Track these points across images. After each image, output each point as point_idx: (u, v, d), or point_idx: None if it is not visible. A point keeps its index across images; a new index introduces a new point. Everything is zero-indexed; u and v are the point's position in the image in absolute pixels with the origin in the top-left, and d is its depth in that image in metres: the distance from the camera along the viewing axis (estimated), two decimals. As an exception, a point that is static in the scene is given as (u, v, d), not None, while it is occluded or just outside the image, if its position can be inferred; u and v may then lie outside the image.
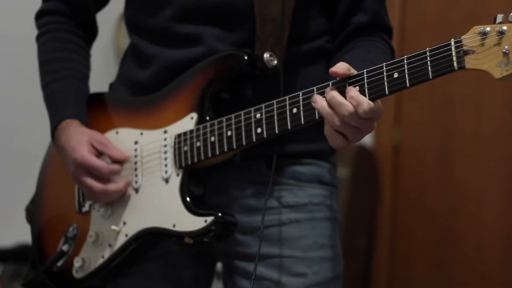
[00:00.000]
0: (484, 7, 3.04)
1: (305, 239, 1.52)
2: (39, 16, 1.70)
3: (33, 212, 1.69)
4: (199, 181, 1.49)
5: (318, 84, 1.32)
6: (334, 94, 1.28)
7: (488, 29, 1.16)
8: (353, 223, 3.25)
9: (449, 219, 3.15)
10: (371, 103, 1.25)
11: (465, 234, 3.11)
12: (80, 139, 1.52)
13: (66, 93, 1.60)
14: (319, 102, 1.30)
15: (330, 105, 1.28)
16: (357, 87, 1.27)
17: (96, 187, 1.51)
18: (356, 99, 1.25)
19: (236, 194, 1.52)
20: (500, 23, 1.15)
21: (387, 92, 1.25)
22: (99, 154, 1.53)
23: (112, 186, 1.52)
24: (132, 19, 1.62)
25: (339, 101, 1.27)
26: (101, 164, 1.51)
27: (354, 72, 1.29)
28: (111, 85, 1.69)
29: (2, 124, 2.94)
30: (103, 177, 1.52)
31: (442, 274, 3.16)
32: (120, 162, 1.54)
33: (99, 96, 1.65)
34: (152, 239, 1.52)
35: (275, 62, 1.44)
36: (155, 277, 1.57)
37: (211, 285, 1.66)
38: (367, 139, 3.36)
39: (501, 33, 1.14)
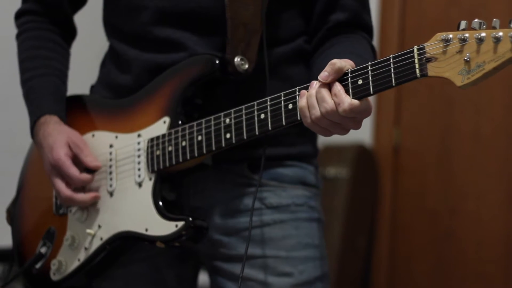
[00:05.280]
0: (484, 7, 3.03)
1: (289, 239, 1.52)
2: (18, 16, 1.71)
3: (13, 214, 1.69)
4: (173, 185, 1.49)
5: (297, 86, 1.31)
6: (321, 89, 1.25)
7: (450, 36, 1.14)
8: (353, 223, 3.25)
9: (449, 219, 3.15)
10: (354, 102, 1.22)
11: (465, 234, 3.10)
12: (57, 138, 1.52)
13: (44, 90, 1.60)
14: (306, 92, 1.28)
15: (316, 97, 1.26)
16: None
17: (64, 192, 1.51)
18: (339, 97, 1.23)
19: (219, 197, 1.52)
20: (463, 30, 1.14)
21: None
22: (74, 156, 1.53)
23: (79, 196, 1.51)
24: (110, 22, 1.62)
25: (323, 96, 1.24)
26: (73, 173, 1.50)
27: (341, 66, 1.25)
28: (92, 87, 1.69)
29: (2, 124, 2.94)
30: (73, 185, 1.52)
31: (442, 274, 3.16)
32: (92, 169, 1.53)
33: (77, 98, 1.65)
34: (127, 243, 1.52)
35: (246, 66, 1.44)
36: (139, 279, 1.58)
37: (196, 285, 1.66)
38: (367, 139, 3.36)
39: (463, 40, 1.13)
